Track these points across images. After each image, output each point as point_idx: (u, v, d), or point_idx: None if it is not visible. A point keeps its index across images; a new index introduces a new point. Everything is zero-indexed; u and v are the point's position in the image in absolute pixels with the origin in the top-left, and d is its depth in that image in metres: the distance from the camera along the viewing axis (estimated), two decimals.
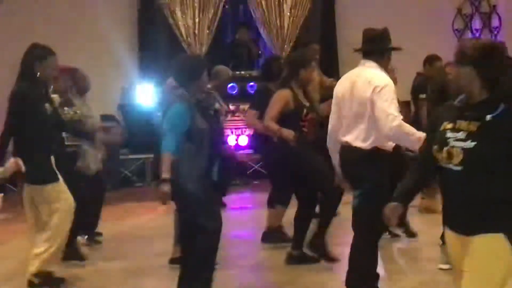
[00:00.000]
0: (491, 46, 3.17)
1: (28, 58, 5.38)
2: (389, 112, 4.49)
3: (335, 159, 4.96)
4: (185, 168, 4.76)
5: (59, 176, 5.51)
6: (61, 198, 5.46)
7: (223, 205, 9.27)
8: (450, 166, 3.07)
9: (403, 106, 7.14)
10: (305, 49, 6.68)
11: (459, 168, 3.04)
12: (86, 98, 7.07)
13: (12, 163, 4.32)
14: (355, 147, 4.69)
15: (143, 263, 6.54)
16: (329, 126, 4.98)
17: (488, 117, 3.03)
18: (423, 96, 7.78)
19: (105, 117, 8.78)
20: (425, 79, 7.98)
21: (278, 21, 12.65)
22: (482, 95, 3.09)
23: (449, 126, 3.13)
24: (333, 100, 4.96)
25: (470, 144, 3.03)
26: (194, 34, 12.49)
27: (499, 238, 3.00)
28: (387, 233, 6.88)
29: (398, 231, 6.89)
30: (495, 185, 3.03)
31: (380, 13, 12.50)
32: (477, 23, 13.00)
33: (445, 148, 3.09)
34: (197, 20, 12.48)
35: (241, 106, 11.24)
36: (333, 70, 11.25)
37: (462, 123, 3.09)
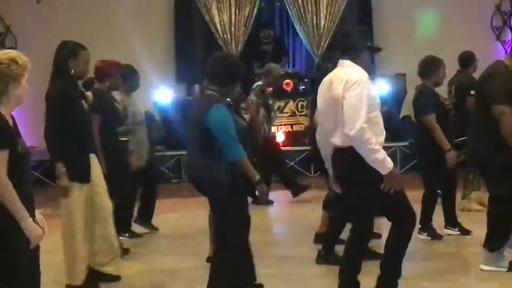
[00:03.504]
0: None
1: (61, 55, 5.35)
2: (358, 115, 4.39)
3: (327, 161, 4.87)
4: (222, 167, 4.75)
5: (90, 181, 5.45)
6: (72, 205, 5.39)
7: (270, 202, 9.35)
8: None
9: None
10: None
11: None
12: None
13: None
14: (341, 148, 4.59)
15: (178, 260, 6.58)
16: (318, 128, 4.89)
17: None
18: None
19: None
20: (472, 77, 7.86)
21: (314, 19, 12.63)
22: None
23: None
24: (318, 101, 4.86)
25: None
26: (230, 31, 12.53)
27: None
28: (456, 229, 6.93)
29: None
30: None
31: (417, 10, 12.44)
32: None
33: None
34: (233, 17, 12.53)
35: (277, 103, 11.26)
36: None
37: None
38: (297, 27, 12.72)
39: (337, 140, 4.62)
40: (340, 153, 4.66)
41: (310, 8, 12.61)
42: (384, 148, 4.59)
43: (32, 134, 10.83)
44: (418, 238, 6.86)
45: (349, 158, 4.53)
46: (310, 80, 11.78)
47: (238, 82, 5.05)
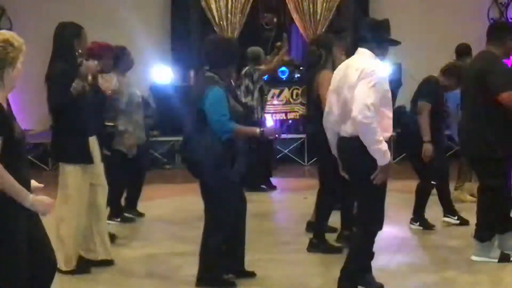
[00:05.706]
0: None
1: (65, 36, 5.31)
2: (367, 102, 4.39)
3: (333, 147, 4.89)
4: (218, 149, 4.77)
5: (93, 161, 5.45)
6: (72, 188, 5.39)
7: (273, 187, 9.34)
8: None
9: None
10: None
11: None
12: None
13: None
14: (349, 136, 4.60)
15: (170, 245, 6.59)
16: (324, 113, 4.90)
17: None
18: None
19: None
20: None
21: (311, 6, 12.58)
22: None
23: None
24: (330, 87, 4.87)
25: None
26: (226, 17, 12.47)
27: None
28: (456, 218, 6.95)
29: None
30: None
31: (413, 1, 12.40)
32: None
33: None
34: (229, 4, 12.46)
35: (272, 90, 11.28)
36: None
37: None
38: (294, 15, 12.66)
39: (347, 129, 4.61)
40: (345, 142, 4.66)
41: None
42: None
43: (26, 117, 10.77)
44: (410, 228, 6.89)
45: (356, 149, 4.53)
46: (305, 68, 11.73)
47: (234, 63, 5.11)
